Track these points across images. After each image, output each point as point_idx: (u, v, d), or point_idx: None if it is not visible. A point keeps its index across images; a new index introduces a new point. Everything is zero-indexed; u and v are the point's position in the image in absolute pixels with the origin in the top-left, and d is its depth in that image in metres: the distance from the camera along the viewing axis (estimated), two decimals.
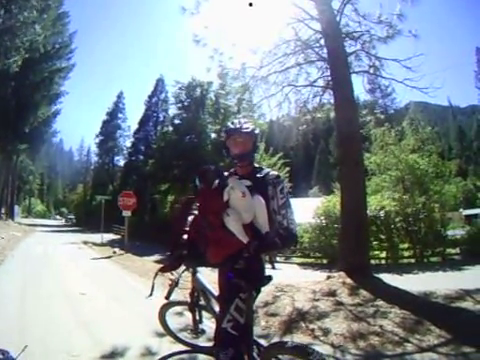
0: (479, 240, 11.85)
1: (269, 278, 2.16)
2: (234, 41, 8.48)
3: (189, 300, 2.69)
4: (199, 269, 2.63)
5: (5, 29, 21.16)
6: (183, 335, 3.09)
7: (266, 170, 2.27)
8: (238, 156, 2.26)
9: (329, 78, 8.14)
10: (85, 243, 18.06)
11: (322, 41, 8.08)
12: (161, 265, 2.42)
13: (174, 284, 2.54)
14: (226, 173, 2.38)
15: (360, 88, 8.76)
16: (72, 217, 53.53)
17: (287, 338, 3.91)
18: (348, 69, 7.74)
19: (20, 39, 22.38)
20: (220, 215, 2.05)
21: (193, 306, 2.70)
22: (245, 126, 2.26)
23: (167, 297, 2.54)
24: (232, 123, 2.33)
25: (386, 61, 8.11)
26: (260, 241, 2.00)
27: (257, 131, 2.35)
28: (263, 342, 2.39)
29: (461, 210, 25.31)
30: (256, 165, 2.34)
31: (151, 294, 2.45)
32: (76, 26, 64.82)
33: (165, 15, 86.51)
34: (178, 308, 3.15)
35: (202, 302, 2.65)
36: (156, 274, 2.37)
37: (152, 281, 2.44)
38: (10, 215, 32.22)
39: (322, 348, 3.61)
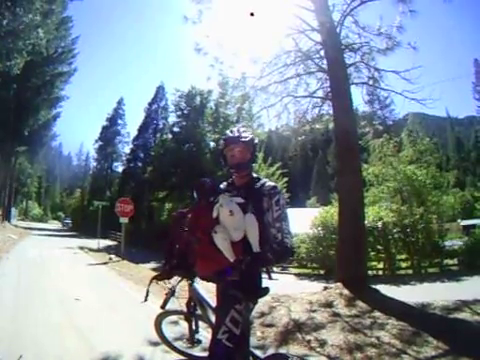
0: (477, 251, 11.80)
1: (266, 290, 2.15)
2: (235, 50, 8.52)
3: (186, 310, 2.67)
4: (196, 279, 2.62)
5: (8, 31, 21.22)
6: (178, 344, 3.07)
7: (263, 180, 2.22)
8: (235, 166, 2.22)
9: (328, 89, 8.18)
10: (81, 248, 17.94)
11: (322, 52, 8.13)
12: (156, 273, 2.42)
13: (170, 293, 2.52)
14: (224, 184, 2.38)
15: (359, 99, 8.79)
16: (69, 222, 53.30)
17: (283, 349, 3.89)
18: (347, 80, 7.79)
19: (23, 42, 22.39)
20: (208, 231, 2.04)
21: (189, 316, 2.68)
22: (244, 135, 2.23)
23: (163, 306, 2.52)
24: (231, 131, 2.30)
25: (385, 73, 8.17)
26: (253, 257, 1.97)
27: (256, 141, 2.31)
28: (259, 353, 2.37)
29: (459, 221, 25.36)
30: (254, 175, 2.30)
31: (146, 299, 2.44)
32: (79, 31, 65.08)
33: (167, 23, 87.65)
34: (174, 317, 3.14)
35: (198, 312, 2.63)
36: (150, 281, 2.38)
37: (147, 287, 2.43)
38: (6, 217, 32.03)
39: None
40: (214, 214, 2.09)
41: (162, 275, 2.37)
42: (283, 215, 2.06)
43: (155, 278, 2.38)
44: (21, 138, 27.93)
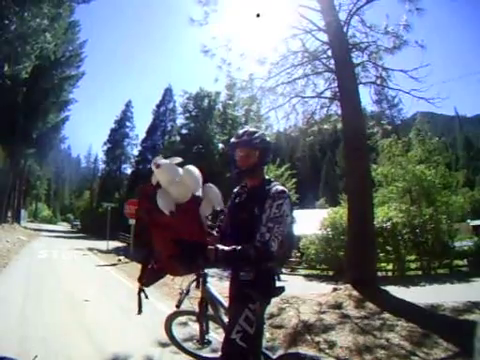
0: None
1: (281, 289, 2.14)
2: (242, 52, 8.55)
3: (197, 310, 2.66)
4: (208, 279, 2.60)
5: (16, 36, 21.51)
6: (188, 345, 3.06)
7: (274, 183, 2.09)
8: (237, 173, 2.15)
9: (336, 89, 8.16)
10: (90, 250, 18.10)
11: (329, 52, 8.11)
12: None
13: (185, 293, 2.50)
14: (237, 187, 2.30)
15: (367, 99, 8.76)
16: (77, 223, 53.73)
17: (292, 350, 3.87)
18: (355, 80, 7.76)
19: (31, 46, 22.69)
20: (152, 199, 1.97)
21: (201, 316, 2.66)
22: (244, 138, 2.12)
23: (178, 305, 2.50)
24: (236, 135, 2.21)
25: (393, 72, 8.14)
26: (229, 250, 1.89)
27: (263, 142, 2.14)
28: (270, 354, 2.35)
29: (469, 221, 24.98)
30: (266, 177, 2.19)
31: (140, 312, 2.35)
32: (86, 35, 65.80)
33: (174, 25, 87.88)
34: (183, 318, 3.14)
35: (210, 312, 2.61)
36: (140, 290, 2.28)
37: (138, 296, 2.33)
38: (16, 219, 32.40)
39: None
40: (153, 181, 2.05)
41: (148, 276, 2.21)
42: (280, 219, 1.94)
43: (142, 283, 2.23)
44: (30, 141, 28.23)
